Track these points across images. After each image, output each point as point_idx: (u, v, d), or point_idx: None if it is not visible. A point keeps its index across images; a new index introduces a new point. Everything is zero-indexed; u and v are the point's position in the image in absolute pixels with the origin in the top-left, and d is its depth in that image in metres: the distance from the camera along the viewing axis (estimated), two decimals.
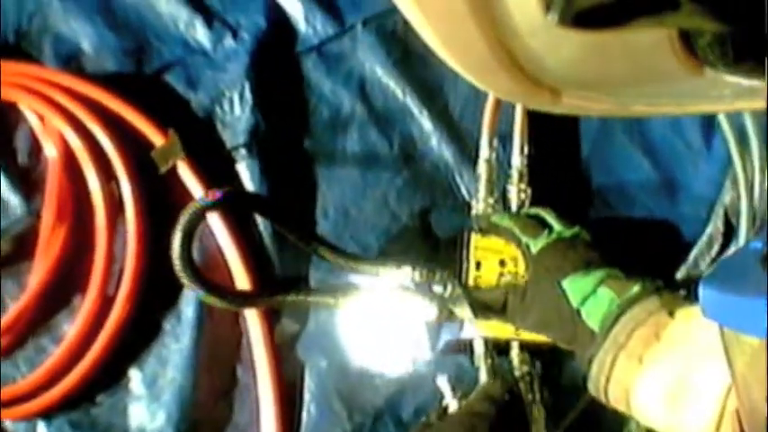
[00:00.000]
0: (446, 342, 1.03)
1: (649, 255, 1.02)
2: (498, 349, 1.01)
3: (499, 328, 0.97)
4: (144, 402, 1.11)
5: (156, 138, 1.13)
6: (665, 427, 0.76)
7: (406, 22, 1.11)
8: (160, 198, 1.14)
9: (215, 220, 1.10)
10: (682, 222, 1.06)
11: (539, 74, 0.44)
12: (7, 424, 1.13)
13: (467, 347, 1.02)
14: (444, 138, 1.12)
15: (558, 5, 0.33)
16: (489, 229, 0.99)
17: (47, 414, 1.12)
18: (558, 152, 1.10)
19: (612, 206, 1.09)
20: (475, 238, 1.00)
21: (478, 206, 1.04)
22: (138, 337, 1.12)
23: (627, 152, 1.09)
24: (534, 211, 0.98)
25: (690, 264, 1.03)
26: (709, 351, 0.69)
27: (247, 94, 1.15)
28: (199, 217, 0.94)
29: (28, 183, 1.19)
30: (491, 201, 1.04)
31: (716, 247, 1.03)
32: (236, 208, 1.10)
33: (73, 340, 1.10)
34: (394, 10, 1.11)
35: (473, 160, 1.07)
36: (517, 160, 1.04)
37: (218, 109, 1.16)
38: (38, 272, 1.14)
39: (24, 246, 1.16)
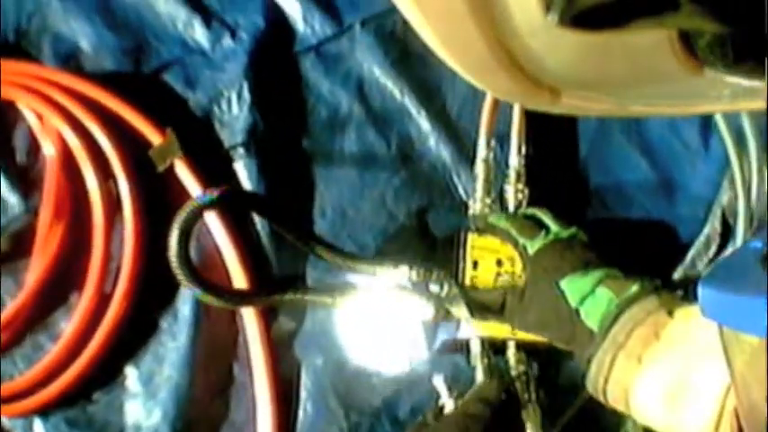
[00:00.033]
0: (443, 341, 1.02)
1: (647, 255, 1.01)
2: (495, 349, 1.00)
3: (496, 328, 0.96)
4: (140, 400, 1.10)
5: (154, 137, 1.12)
6: (665, 427, 0.76)
7: (404, 23, 1.10)
8: (158, 197, 1.13)
9: (212, 219, 1.09)
10: (679, 222, 1.06)
11: (538, 74, 0.44)
12: (4, 421, 1.12)
13: (463, 347, 1.01)
14: (442, 138, 1.11)
15: (557, 6, 0.33)
16: (486, 229, 0.98)
17: (44, 411, 1.11)
18: (555, 152, 1.09)
19: (610, 206, 1.08)
20: (472, 238, 0.99)
21: (476, 206, 1.03)
22: (134, 335, 1.11)
23: (624, 152, 1.08)
24: (531, 211, 0.97)
25: (687, 264, 1.03)
26: (709, 350, 0.68)
27: (245, 94, 1.14)
28: (196, 216, 0.94)
29: (26, 181, 1.18)
30: (488, 201, 1.03)
31: (713, 248, 1.02)
32: (234, 207, 1.09)
33: (70, 338, 1.09)
34: (392, 10, 1.13)
35: (470, 160, 1.06)
36: (514, 160, 1.04)
37: (216, 108, 1.15)
38: (35, 269, 1.13)
39: (22, 243, 1.15)
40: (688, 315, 0.76)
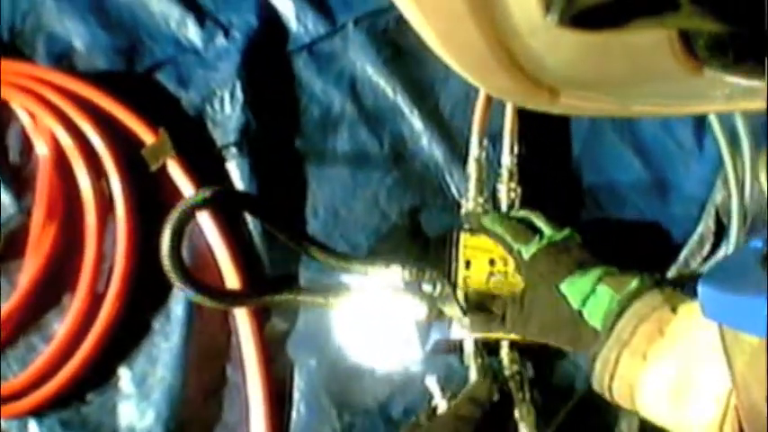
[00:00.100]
0: (436, 341, 1.00)
1: (640, 254, 0.99)
2: (488, 348, 0.99)
3: None
4: (133, 401, 1.08)
5: (147, 136, 1.10)
6: (671, 423, 0.74)
7: (397, 22, 1.09)
8: (150, 197, 1.11)
9: (205, 219, 1.07)
10: (673, 222, 1.04)
11: (538, 74, 0.43)
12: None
13: (457, 347, 1.00)
14: (434, 137, 1.09)
15: (557, 6, 0.33)
16: (479, 229, 0.96)
17: (38, 412, 1.09)
18: (548, 151, 1.08)
19: (603, 206, 1.07)
20: (464, 238, 0.98)
21: (468, 205, 1.02)
22: (127, 336, 1.09)
23: (618, 152, 1.07)
24: (523, 213, 0.95)
25: (681, 263, 1.01)
26: (713, 347, 0.67)
27: (238, 93, 1.12)
28: (188, 216, 0.92)
29: (19, 181, 1.16)
30: (481, 200, 1.01)
31: (707, 247, 1.01)
32: (226, 207, 1.07)
33: (63, 339, 1.07)
34: (385, 9, 1.11)
35: (463, 159, 1.05)
36: (507, 159, 1.02)
37: (208, 108, 1.13)
38: (28, 270, 1.10)
39: (15, 244, 1.13)
40: (691, 311, 0.75)
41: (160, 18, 1.17)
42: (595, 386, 0.80)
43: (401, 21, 1.11)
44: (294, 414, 1.05)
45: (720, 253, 1.00)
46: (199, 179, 1.10)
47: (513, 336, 0.92)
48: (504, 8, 0.36)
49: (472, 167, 1.02)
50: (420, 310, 0.96)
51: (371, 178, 1.09)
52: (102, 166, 1.11)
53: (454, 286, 0.95)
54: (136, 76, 1.17)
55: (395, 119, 1.11)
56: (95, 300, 1.08)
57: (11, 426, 1.10)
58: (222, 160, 1.11)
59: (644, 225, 1.05)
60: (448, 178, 1.08)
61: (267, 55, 1.14)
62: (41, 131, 1.13)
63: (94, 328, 1.07)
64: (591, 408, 0.96)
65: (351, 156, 1.11)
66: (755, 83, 0.41)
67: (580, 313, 0.81)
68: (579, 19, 0.33)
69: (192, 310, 1.07)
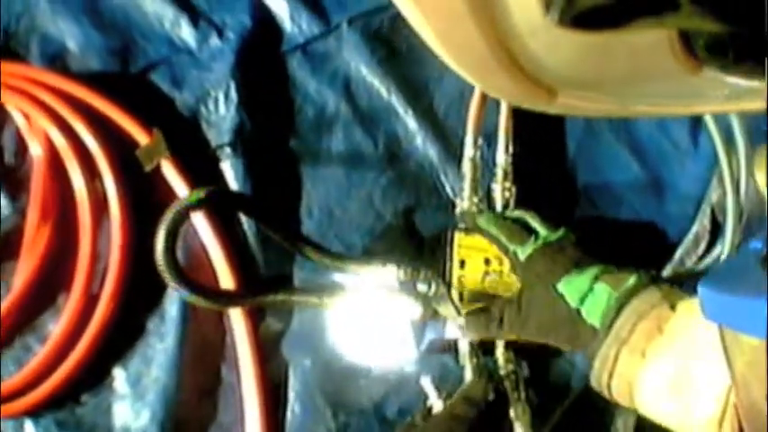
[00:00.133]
0: (431, 341, 0.99)
1: (636, 253, 0.98)
2: (483, 348, 0.98)
3: None
4: (128, 401, 1.06)
5: (141, 137, 1.09)
6: (670, 421, 0.74)
7: (391, 22, 1.08)
8: (145, 197, 1.10)
9: (199, 220, 1.06)
10: (668, 221, 1.03)
11: (538, 74, 0.43)
12: None
13: (452, 347, 0.98)
14: (429, 137, 1.08)
15: (557, 6, 0.32)
16: (474, 229, 0.95)
17: (34, 413, 1.07)
18: (543, 151, 1.06)
19: (599, 205, 1.06)
20: (459, 237, 0.97)
21: (463, 205, 1.01)
22: (122, 337, 1.07)
23: (613, 151, 1.06)
24: (518, 214, 0.94)
25: (676, 262, 1.01)
26: (712, 344, 0.66)
27: (232, 94, 1.11)
28: (183, 216, 0.91)
29: (14, 182, 1.14)
30: (476, 199, 1.00)
31: (702, 246, 1.00)
32: (221, 207, 1.06)
33: (58, 339, 1.05)
34: (379, 9, 1.10)
35: (458, 159, 1.03)
36: (502, 159, 1.01)
37: (203, 108, 1.12)
38: (23, 271, 1.09)
39: (10, 245, 1.11)
40: (690, 309, 0.74)
41: (154, 18, 1.15)
42: (594, 384, 0.79)
43: (395, 21, 1.11)
44: (289, 414, 1.04)
45: (716, 252, 1.00)
46: (193, 179, 1.08)
47: (511, 337, 0.90)
48: (504, 8, 0.36)
49: (467, 167, 1.01)
50: (415, 309, 0.96)
51: (366, 178, 1.08)
52: (97, 166, 1.09)
53: (449, 286, 0.95)
54: (130, 76, 1.15)
55: (389, 119, 1.10)
56: (90, 300, 1.06)
57: (7, 426, 1.08)
58: (216, 161, 1.10)
59: (639, 224, 1.04)
60: (443, 178, 1.07)
61: (261, 55, 1.13)
62: (36, 132, 1.11)
63: (89, 329, 1.05)
64: (586, 407, 0.96)
65: (345, 156, 1.10)
66: (755, 83, 0.40)
67: (578, 312, 0.80)
68: (579, 19, 0.33)
69: (187, 310, 1.06)
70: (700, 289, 0.48)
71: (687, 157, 1.04)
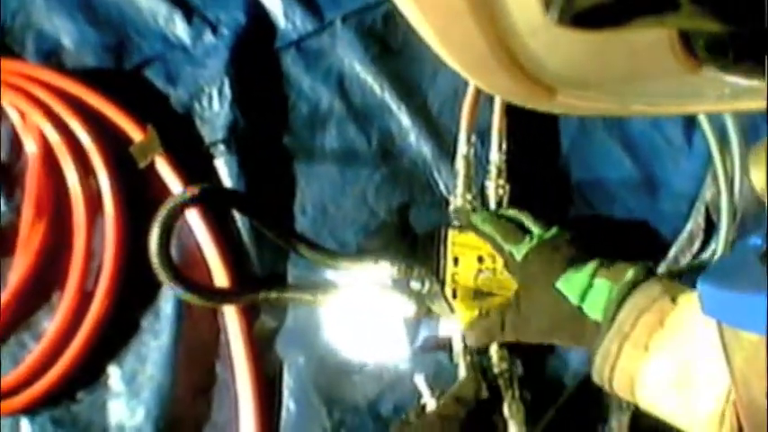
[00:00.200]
0: (424, 338, 0.98)
1: (630, 251, 0.95)
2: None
3: None
4: (123, 399, 1.04)
5: (135, 133, 1.07)
6: (671, 414, 0.72)
7: (385, 19, 1.06)
8: (139, 194, 1.08)
9: (193, 217, 1.04)
10: (662, 219, 1.02)
11: (538, 73, 0.42)
12: None
13: (445, 344, 0.96)
14: (423, 134, 1.06)
15: (557, 5, 0.32)
16: (468, 227, 0.93)
17: (30, 410, 1.05)
18: (537, 148, 1.05)
19: (592, 203, 1.04)
20: (452, 235, 0.95)
21: (456, 202, 0.99)
22: (116, 334, 1.05)
23: (606, 148, 1.04)
24: (511, 213, 0.93)
25: (670, 260, 0.99)
26: (714, 338, 0.65)
27: (226, 90, 1.09)
28: (176, 214, 0.90)
29: (8, 179, 1.12)
30: (469, 197, 0.98)
31: (696, 244, 0.99)
32: (215, 204, 1.04)
33: (52, 337, 1.03)
34: (373, 6, 1.09)
35: (451, 156, 1.02)
36: (495, 156, 0.99)
37: (197, 105, 1.10)
38: (18, 268, 1.07)
39: (5, 242, 1.09)
40: (691, 302, 0.73)
41: (148, 15, 1.13)
42: (595, 378, 0.78)
43: (389, 18, 1.09)
44: (284, 412, 1.02)
45: (710, 250, 0.98)
46: (187, 176, 1.06)
47: (514, 339, 0.89)
48: (503, 6, 0.35)
49: (460, 164, 0.99)
50: (408, 307, 0.94)
51: (360, 175, 1.06)
52: (91, 163, 1.07)
53: (442, 283, 0.93)
54: (124, 73, 1.13)
55: (383, 116, 1.08)
56: (84, 298, 1.04)
57: (3, 424, 1.06)
58: (210, 157, 1.08)
59: (633, 222, 1.02)
60: (436, 175, 1.05)
61: (255, 52, 1.11)
62: (30, 129, 1.09)
63: (84, 326, 1.03)
64: (580, 405, 0.94)
65: (339, 153, 1.08)
66: (755, 83, 0.39)
67: (580, 309, 0.79)
68: (579, 18, 0.32)
69: (181, 308, 1.04)
70: (699, 285, 0.47)
71: (681, 155, 1.03)
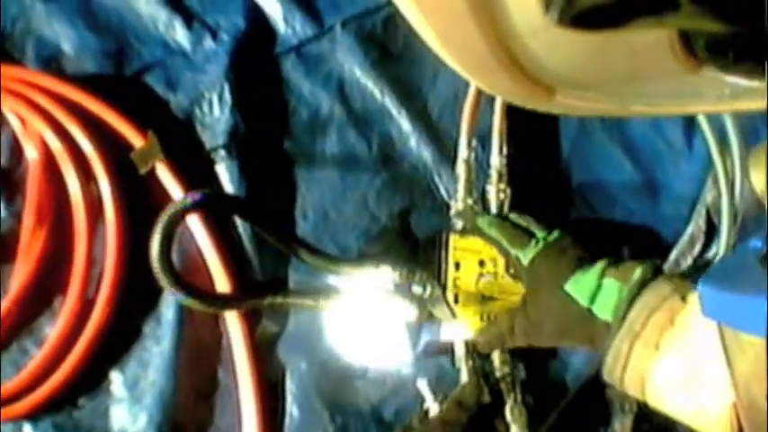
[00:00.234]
0: (426, 343, 0.98)
1: (631, 254, 0.97)
2: (479, 350, 0.95)
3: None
4: (125, 405, 1.04)
5: (136, 139, 1.07)
6: (682, 413, 0.72)
7: (384, 24, 1.06)
8: (140, 200, 1.08)
9: (194, 223, 1.04)
10: (663, 222, 1.02)
11: (538, 74, 0.42)
12: None
13: (447, 349, 0.96)
14: (423, 138, 1.06)
15: (557, 5, 0.32)
16: (473, 230, 0.93)
17: (32, 416, 1.05)
18: (537, 152, 1.05)
19: (593, 206, 1.04)
20: (453, 239, 0.95)
21: (457, 206, 0.99)
22: (118, 340, 1.05)
23: (607, 151, 1.04)
24: (513, 217, 0.92)
25: (671, 263, 0.99)
26: None
27: (227, 96, 1.09)
28: (178, 220, 0.89)
29: (9, 185, 1.12)
30: (470, 201, 0.99)
31: (698, 247, 0.99)
32: (216, 210, 1.05)
33: (54, 343, 1.03)
34: (373, 11, 1.09)
35: (452, 161, 1.02)
36: (496, 160, 0.99)
37: (197, 110, 1.10)
38: (19, 274, 1.07)
39: (6, 248, 1.09)
40: None
41: (148, 21, 1.14)
42: (606, 377, 0.77)
43: (389, 22, 1.09)
44: (287, 417, 1.02)
45: (711, 253, 0.98)
46: (188, 182, 1.06)
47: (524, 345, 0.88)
48: (503, 8, 0.36)
49: (461, 169, 0.99)
50: (410, 311, 0.93)
51: (360, 180, 1.06)
52: (92, 169, 1.07)
53: (444, 288, 0.93)
54: (124, 79, 1.13)
55: (383, 120, 1.08)
56: (86, 304, 1.04)
57: (6, 429, 1.06)
58: (211, 163, 1.08)
59: (634, 225, 1.02)
60: (437, 180, 1.05)
61: (255, 57, 1.11)
62: (31, 135, 1.09)
63: (85, 333, 1.03)
64: (583, 408, 0.94)
65: (340, 158, 1.08)
66: (755, 83, 0.39)
67: (590, 311, 0.78)
68: (579, 18, 0.32)
69: (183, 313, 1.04)
70: (700, 287, 0.48)
71: (681, 158, 1.03)
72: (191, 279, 0.94)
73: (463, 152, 0.99)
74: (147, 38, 1.14)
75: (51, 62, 1.16)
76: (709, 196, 0.99)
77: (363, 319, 1.00)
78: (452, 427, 0.84)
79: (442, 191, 1.05)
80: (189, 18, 1.13)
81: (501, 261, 0.92)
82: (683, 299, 0.73)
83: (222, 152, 1.07)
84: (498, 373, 0.94)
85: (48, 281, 1.08)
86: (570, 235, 0.86)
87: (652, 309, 0.73)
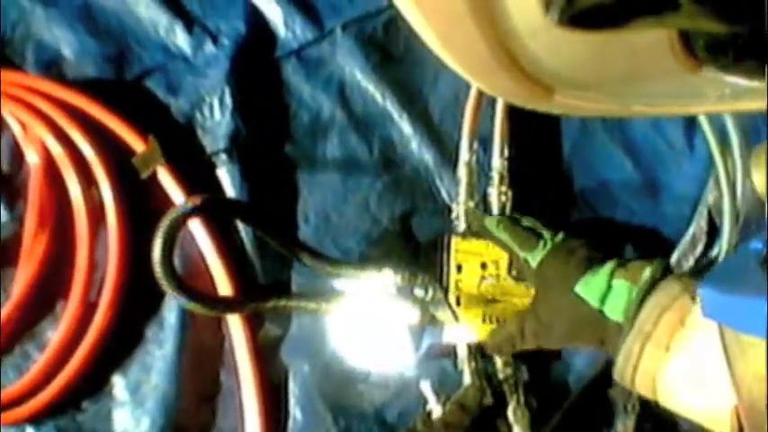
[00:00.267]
0: (429, 345, 0.97)
1: (633, 255, 0.96)
2: (482, 352, 0.95)
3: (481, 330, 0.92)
4: (128, 408, 1.05)
5: (137, 144, 1.07)
6: (692, 413, 0.71)
7: (385, 27, 1.07)
8: (141, 204, 1.08)
9: (196, 227, 1.04)
10: (665, 222, 1.02)
11: (539, 74, 0.42)
12: None
13: (450, 351, 0.96)
14: (424, 141, 1.07)
15: (557, 6, 0.32)
16: (481, 231, 0.92)
17: (35, 420, 1.05)
18: (538, 153, 1.05)
19: (595, 207, 1.04)
20: (455, 242, 0.95)
21: (459, 209, 0.99)
22: (120, 344, 1.06)
23: (608, 152, 1.05)
24: (519, 218, 0.91)
25: (673, 263, 0.99)
26: None
27: (227, 100, 1.09)
28: (179, 224, 0.89)
29: (11, 190, 1.12)
30: (472, 204, 0.99)
31: (699, 247, 0.99)
32: (217, 214, 1.04)
33: (57, 347, 1.03)
34: (373, 14, 1.09)
35: (453, 163, 1.02)
36: (497, 163, 1.00)
37: (198, 114, 1.10)
38: (21, 279, 1.07)
39: (8, 253, 1.09)
40: None
41: (148, 25, 1.14)
42: (617, 378, 0.77)
43: (389, 25, 1.10)
44: (290, 420, 1.02)
45: (713, 253, 0.98)
46: (189, 186, 1.07)
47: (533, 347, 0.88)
48: (504, 9, 0.36)
49: (462, 171, 1.00)
50: (412, 314, 0.93)
51: (362, 183, 1.07)
52: (93, 174, 1.08)
53: (446, 290, 0.93)
54: (125, 83, 1.14)
55: (384, 124, 1.09)
56: (88, 308, 1.05)
57: None
58: (212, 167, 1.08)
59: (636, 225, 1.03)
60: (438, 182, 1.06)
61: (256, 61, 1.12)
62: (32, 140, 1.10)
63: (88, 337, 1.03)
64: (585, 409, 0.94)
65: (341, 161, 1.08)
66: (755, 83, 0.40)
67: (601, 312, 0.78)
68: (579, 19, 0.32)
69: (185, 317, 1.04)
70: (700, 289, 0.48)
71: (683, 158, 1.03)
72: (193, 283, 0.95)
73: (465, 155, 1.00)
74: (147, 42, 1.14)
75: (52, 67, 1.16)
76: (710, 196, 0.99)
77: (366, 322, 0.99)
78: (455, 430, 0.85)
79: (444, 194, 1.05)
80: (189, 22, 1.13)
81: (503, 263, 0.92)
82: (693, 298, 0.72)
83: (223, 156, 1.08)
84: (501, 375, 0.94)
85: (50, 285, 1.08)
86: (575, 236, 0.86)
87: (663, 308, 0.73)
